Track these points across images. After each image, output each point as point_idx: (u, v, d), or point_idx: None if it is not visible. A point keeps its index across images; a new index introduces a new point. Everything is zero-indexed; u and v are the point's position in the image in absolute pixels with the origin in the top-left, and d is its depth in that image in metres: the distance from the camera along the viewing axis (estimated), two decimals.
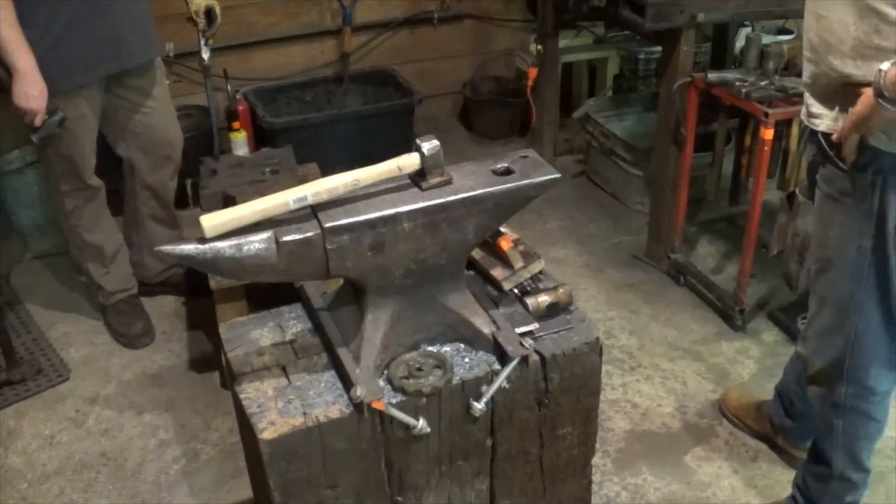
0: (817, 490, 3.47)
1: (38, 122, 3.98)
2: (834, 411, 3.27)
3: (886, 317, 3.00)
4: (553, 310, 2.55)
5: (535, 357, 2.41)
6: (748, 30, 5.50)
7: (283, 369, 2.39)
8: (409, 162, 2.24)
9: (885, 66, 2.43)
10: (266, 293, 3.06)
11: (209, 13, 4.53)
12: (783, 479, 3.82)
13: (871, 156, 2.68)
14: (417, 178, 2.25)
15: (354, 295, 2.39)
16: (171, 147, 4.74)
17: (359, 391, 2.18)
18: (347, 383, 2.26)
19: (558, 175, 2.35)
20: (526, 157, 2.40)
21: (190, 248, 2.07)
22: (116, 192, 4.92)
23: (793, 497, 3.58)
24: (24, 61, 3.89)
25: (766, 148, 4.24)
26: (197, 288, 4.71)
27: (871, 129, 2.60)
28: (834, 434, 3.29)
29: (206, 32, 4.58)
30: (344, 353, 2.33)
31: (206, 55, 4.67)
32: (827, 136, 2.80)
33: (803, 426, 3.76)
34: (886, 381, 3.17)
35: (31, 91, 3.92)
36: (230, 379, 2.46)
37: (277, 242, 2.09)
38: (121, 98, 4.47)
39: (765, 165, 4.30)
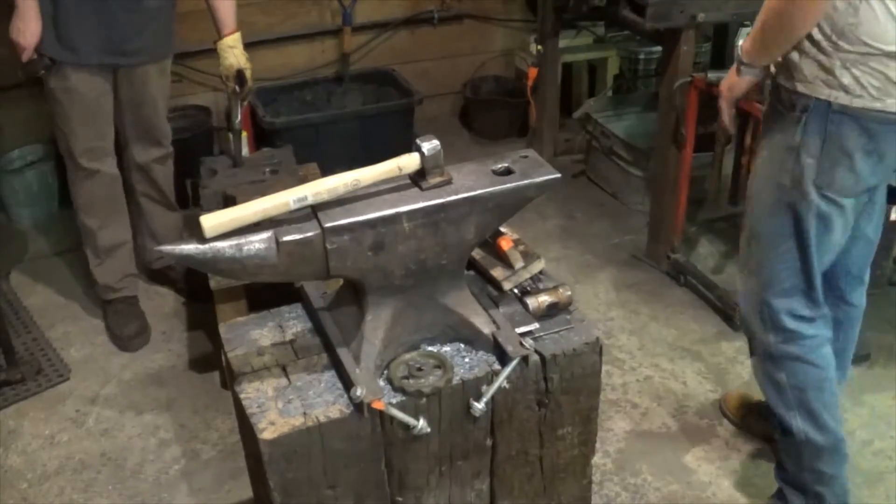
0: (794, 468, 3.49)
1: (24, 58, 4.20)
2: (774, 366, 3.37)
3: (802, 258, 3.17)
4: (553, 310, 2.55)
5: (536, 357, 2.41)
6: (748, 30, 5.49)
7: (284, 369, 2.40)
8: (409, 162, 2.24)
9: (739, 41, 3.15)
10: (266, 293, 3.06)
11: (240, 76, 4.51)
12: None
13: (798, 98, 2.96)
14: (417, 178, 2.26)
15: (354, 295, 2.39)
16: (161, 135, 4.83)
17: (359, 391, 2.18)
18: (347, 383, 2.26)
19: (558, 175, 2.35)
20: (526, 157, 2.40)
21: (190, 248, 2.07)
22: None
23: (779, 490, 3.59)
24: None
25: None
26: (197, 288, 4.72)
27: (739, 93, 3.25)
28: (783, 391, 3.36)
29: (238, 95, 4.55)
30: (344, 353, 2.33)
31: (237, 119, 4.65)
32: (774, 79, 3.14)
33: None
34: (807, 324, 3.27)
35: (24, 28, 4.13)
36: (230, 379, 2.47)
37: (277, 242, 2.09)
38: (120, 88, 4.55)
39: None
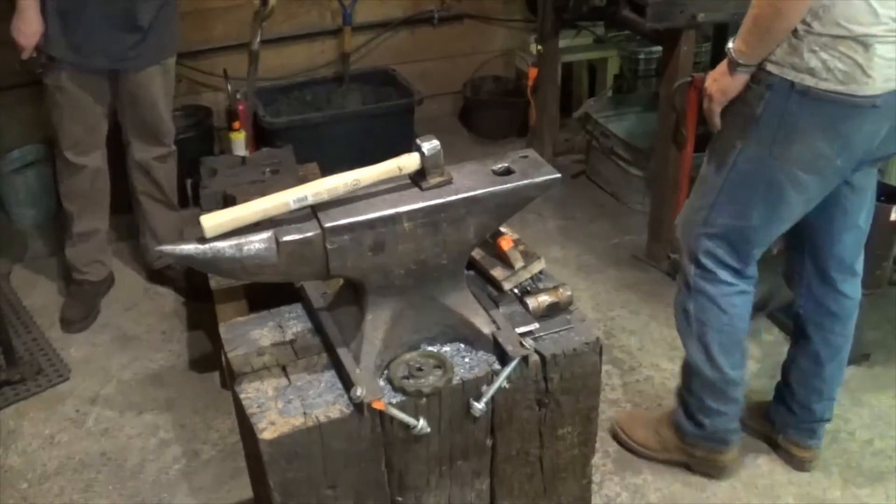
0: (685, 391, 3.75)
1: (24, 56, 4.30)
2: (687, 294, 3.58)
3: (742, 215, 3.32)
4: (553, 310, 2.55)
5: (536, 357, 2.41)
6: None
7: (284, 369, 2.40)
8: (409, 162, 2.24)
9: (730, 43, 3.16)
10: (266, 293, 3.06)
11: None
12: (783, 478, 3.83)
13: (765, 75, 3.08)
14: (418, 178, 2.25)
15: (354, 295, 2.39)
16: (162, 133, 4.88)
17: (359, 391, 2.18)
18: (347, 383, 2.26)
19: (558, 175, 2.35)
20: (526, 156, 2.40)
21: (190, 248, 2.07)
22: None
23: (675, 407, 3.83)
24: (23, 1, 4.19)
25: None
26: (197, 288, 4.72)
27: (734, 94, 3.20)
28: (688, 320, 3.58)
29: (260, 14, 4.57)
30: (344, 353, 2.33)
31: (256, 39, 4.66)
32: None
33: (806, 419, 3.81)
34: (727, 271, 3.45)
35: (24, 27, 4.22)
36: (230, 379, 2.47)
37: (277, 242, 2.09)
38: (121, 86, 4.63)
39: None
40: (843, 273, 3.58)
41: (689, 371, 3.68)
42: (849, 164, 3.16)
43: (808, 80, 2.99)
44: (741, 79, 3.18)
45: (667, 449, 3.88)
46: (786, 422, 3.87)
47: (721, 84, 3.24)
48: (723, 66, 3.21)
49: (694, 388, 3.68)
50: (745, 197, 3.30)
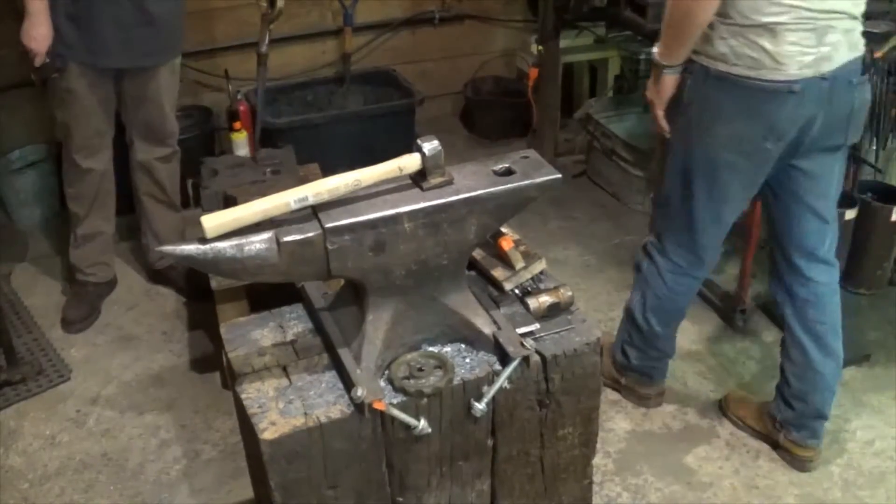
0: (621, 325, 4.19)
1: (36, 62, 4.28)
2: (642, 253, 3.97)
3: (686, 197, 3.59)
4: (554, 310, 2.55)
5: (536, 357, 2.40)
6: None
7: (284, 369, 2.39)
8: (410, 162, 2.24)
9: (654, 49, 3.50)
10: (267, 293, 3.06)
11: None
12: (784, 479, 3.83)
13: (688, 63, 3.39)
14: (418, 179, 2.25)
15: (355, 295, 2.39)
16: (165, 134, 4.89)
17: (360, 391, 2.18)
18: (348, 384, 2.26)
19: (559, 175, 2.35)
20: (527, 157, 2.40)
21: (191, 248, 2.07)
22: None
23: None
24: (34, 4, 4.19)
25: None
26: (198, 288, 4.73)
27: (666, 95, 3.51)
28: (639, 274, 3.98)
29: (268, 16, 4.56)
30: (345, 354, 2.33)
31: (265, 42, 4.65)
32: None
33: (804, 414, 3.84)
34: (676, 249, 3.78)
35: (34, 33, 4.21)
36: (231, 379, 2.47)
37: (278, 243, 2.09)
38: (126, 86, 4.64)
39: None
40: (808, 259, 3.67)
41: (627, 311, 4.10)
42: (780, 147, 3.33)
43: (721, 66, 3.25)
44: (670, 80, 3.48)
45: (603, 374, 4.00)
46: (786, 418, 3.90)
47: (652, 89, 3.59)
48: (653, 71, 3.56)
49: (627, 328, 4.12)
50: (684, 179, 3.57)
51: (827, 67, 3.18)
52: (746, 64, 3.19)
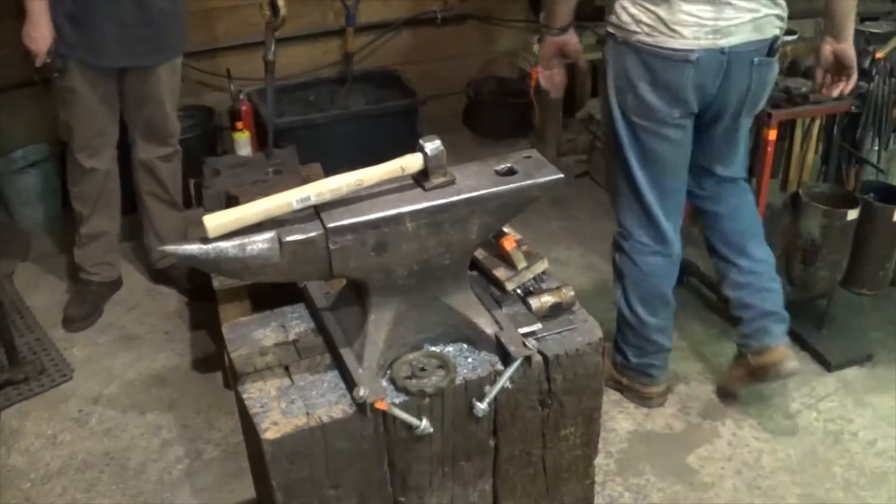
0: (616, 327, 4.21)
1: (37, 63, 4.30)
2: (614, 248, 4.09)
3: (625, 170, 3.79)
4: (556, 310, 2.55)
5: (538, 357, 2.40)
6: None
7: (286, 369, 2.40)
8: (412, 162, 2.24)
9: (541, 15, 3.89)
10: (269, 293, 3.06)
11: (273, 4, 4.51)
12: (787, 480, 3.83)
13: (606, 35, 3.66)
14: (420, 179, 2.25)
15: (357, 295, 2.39)
16: (167, 133, 4.90)
17: (362, 391, 2.18)
18: (350, 383, 2.26)
19: (561, 175, 2.35)
20: (529, 157, 2.40)
21: (193, 248, 2.07)
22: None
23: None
24: (34, 5, 4.20)
25: (769, 149, 4.25)
26: (200, 288, 4.73)
27: (548, 56, 3.86)
28: (616, 269, 4.10)
29: (272, 24, 4.54)
30: (347, 353, 2.33)
31: (271, 50, 4.62)
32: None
33: (750, 316, 4.05)
34: (637, 228, 3.91)
35: (35, 33, 4.23)
36: (233, 379, 2.47)
37: (280, 242, 2.09)
38: (128, 85, 4.65)
39: (768, 166, 4.31)
40: (714, 162, 3.93)
41: (617, 311, 4.15)
42: (687, 115, 3.61)
43: (624, 34, 3.52)
44: (549, 41, 3.81)
45: (605, 376, 4.11)
46: (743, 333, 4.10)
47: (539, 52, 3.95)
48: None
49: (619, 325, 4.18)
50: (622, 153, 3.76)
51: (725, 42, 3.40)
52: (644, 31, 3.45)
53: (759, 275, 4.01)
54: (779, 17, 3.52)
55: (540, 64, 3.93)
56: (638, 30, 3.46)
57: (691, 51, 3.38)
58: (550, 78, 3.94)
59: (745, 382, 4.18)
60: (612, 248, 4.11)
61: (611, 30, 3.59)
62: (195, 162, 4.98)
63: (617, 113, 3.69)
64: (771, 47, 3.52)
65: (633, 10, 3.45)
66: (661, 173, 3.76)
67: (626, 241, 3.97)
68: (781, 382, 4.22)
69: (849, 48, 3.71)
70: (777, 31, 3.53)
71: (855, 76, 3.80)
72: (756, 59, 3.49)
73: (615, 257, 4.08)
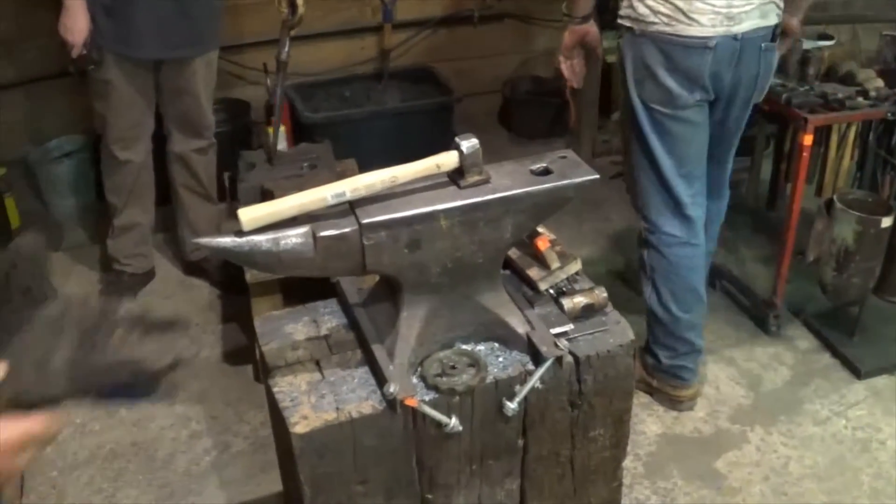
0: (649, 331, 4.25)
1: (73, 54, 4.34)
2: (641, 246, 4.13)
3: (649, 160, 3.88)
4: (588, 311, 2.55)
5: (570, 358, 2.40)
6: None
7: (317, 364, 2.40)
8: (447, 160, 2.23)
9: (563, 5, 3.90)
10: (301, 288, 3.07)
11: (291, 1, 4.50)
12: (813, 487, 3.82)
13: (620, 29, 3.80)
14: (456, 177, 2.25)
15: (390, 292, 2.39)
16: (202, 126, 4.94)
17: (392, 388, 2.18)
18: (381, 379, 2.26)
19: (597, 176, 2.34)
20: (564, 157, 2.40)
21: (226, 240, 2.07)
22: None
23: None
24: None
25: (804, 154, 4.23)
26: (233, 281, 4.74)
27: (570, 45, 3.95)
28: (643, 266, 4.12)
29: (288, 22, 4.53)
30: (378, 350, 2.33)
31: (284, 49, 4.58)
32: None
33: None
34: (665, 219, 3.97)
35: (72, 25, 4.27)
36: (264, 372, 2.47)
37: (314, 237, 2.09)
38: (163, 78, 4.68)
39: (803, 171, 4.29)
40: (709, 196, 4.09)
41: (647, 312, 4.19)
42: (706, 98, 3.73)
43: (641, 25, 3.65)
44: (573, 29, 3.92)
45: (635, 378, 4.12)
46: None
47: (563, 36, 3.99)
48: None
49: (651, 325, 4.21)
50: (646, 143, 3.85)
51: (737, 29, 3.56)
52: (663, 21, 3.58)
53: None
54: (777, 6, 3.70)
55: (561, 53, 4.04)
56: (656, 20, 3.59)
57: (709, 38, 3.54)
58: (571, 68, 4.06)
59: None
60: (637, 246, 4.15)
61: (627, 23, 3.73)
62: (230, 155, 4.99)
63: (638, 104, 3.80)
64: (773, 33, 3.70)
65: (650, 1, 3.59)
66: (686, 158, 3.86)
67: (653, 234, 4.02)
68: (812, 390, 4.22)
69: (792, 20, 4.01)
70: (777, 19, 3.71)
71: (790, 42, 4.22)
72: (763, 45, 3.67)
73: (643, 255, 4.11)
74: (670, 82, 3.66)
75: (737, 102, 3.80)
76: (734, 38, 3.57)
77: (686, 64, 3.61)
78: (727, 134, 3.97)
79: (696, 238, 3.99)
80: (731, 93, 3.74)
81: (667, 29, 3.57)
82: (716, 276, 5.03)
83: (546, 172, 2.33)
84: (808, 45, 4.74)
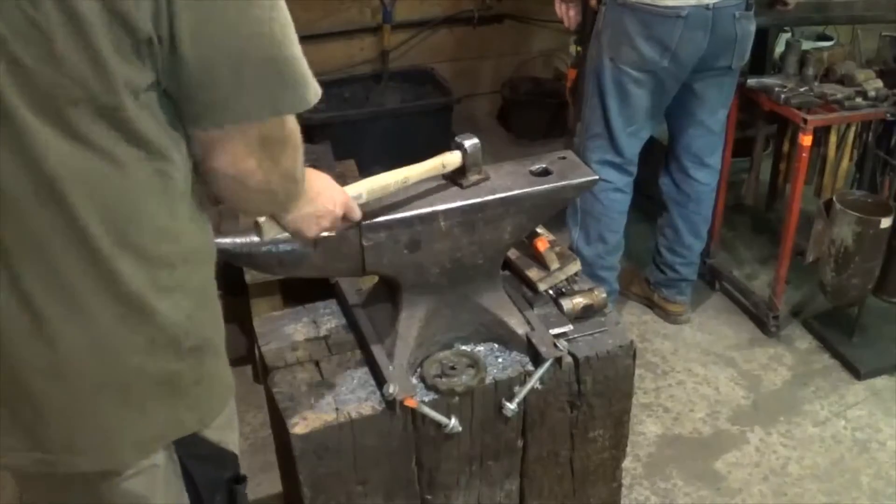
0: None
1: None
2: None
3: (603, 112, 4.21)
4: (588, 312, 2.55)
5: (569, 359, 2.41)
6: (788, 35, 5.47)
7: (317, 365, 2.40)
8: (451, 159, 2.24)
9: None
10: (301, 289, 3.07)
11: None
12: (813, 487, 3.81)
13: None
14: (455, 177, 2.26)
15: (389, 292, 2.39)
16: None
17: (391, 388, 2.19)
18: (380, 380, 2.27)
19: (596, 177, 2.36)
20: (564, 158, 2.41)
21: (226, 241, 2.08)
22: None
23: None
24: None
25: (804, 154, 4.22)
26: (232, 282, 4.73)
27: None
28: (574, 209, 4.44)
29: None
30: (377, 350, 2.34)
31: None
32: None
33: (672, 277, 4.74)
34: (608, 169, 4.31)
35: None
36: (263, 373, 2.48)
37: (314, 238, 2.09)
38: None
39: (802, 172, 4.28)
40: (694, 163, 4.48)
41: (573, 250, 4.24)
42: (678, 67, 4.02)
43: None
44: None
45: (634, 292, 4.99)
46: (658, 281, 4.81)
47: None
48: None
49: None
50: (603, 99, 4.18)
51: (709, 0, 3.87)
52: None
53: (694, 251, 4.70)
54: None
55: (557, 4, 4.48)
56: None
57: (682, 7, 3.85)
58: (566, 11, 4.48)
59: (640, 298, 5.00)
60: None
61: None
62: None
63: (607, 63, 4.10)
64: (746, 2, 4.00)
65: None
66: (635, 118, 4.20)
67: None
68: (811, 390, 4.22)
69: None
70: None
71: None
72: (736, 13, 3.97)
73: (576, 200, 4.30)
74: (644, 46, 3.97)
75: (717, 66, 4.10)
76: (706, 7, 3.88)
77: (659, 31, 3.92)
78: (710, 97, 4.26)
79: (628, 187, 4.43)
80: (710, 56, 4.03)
81: (646, 0, 3.89)
82: (715, 276, 5.03)
83: (545, 173, 2.34)
84: (807, 45, 4.74)
